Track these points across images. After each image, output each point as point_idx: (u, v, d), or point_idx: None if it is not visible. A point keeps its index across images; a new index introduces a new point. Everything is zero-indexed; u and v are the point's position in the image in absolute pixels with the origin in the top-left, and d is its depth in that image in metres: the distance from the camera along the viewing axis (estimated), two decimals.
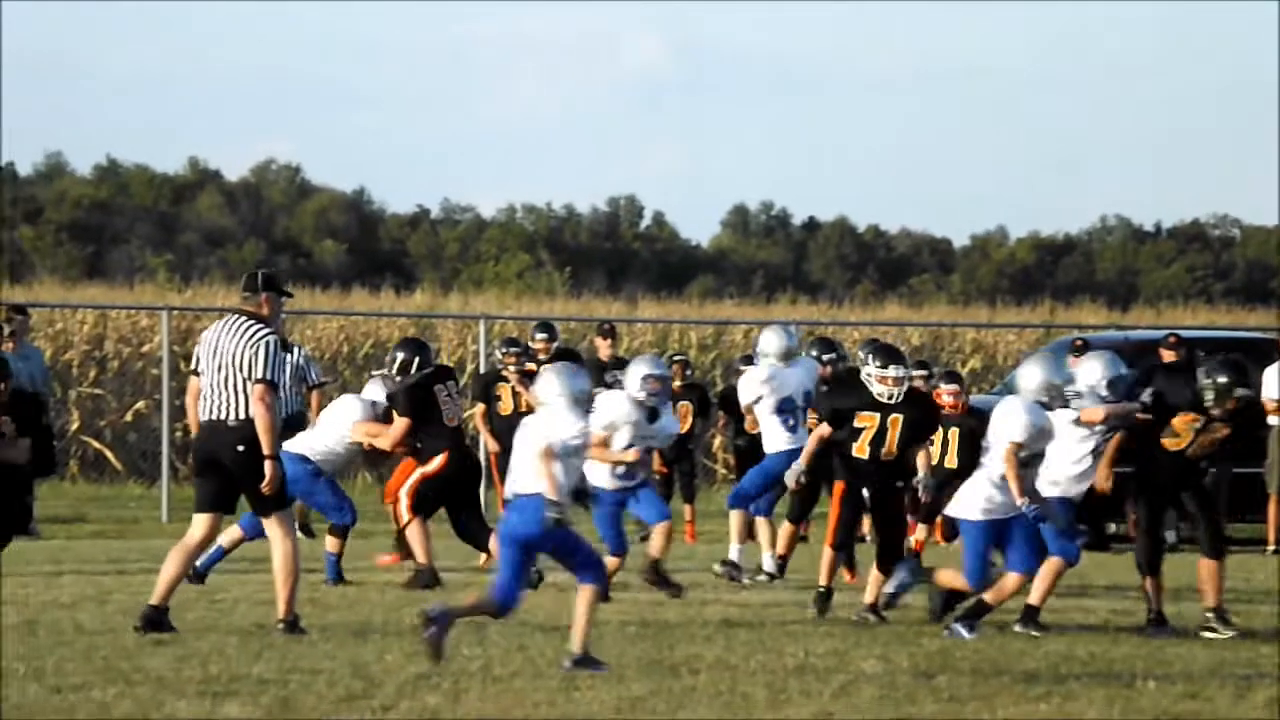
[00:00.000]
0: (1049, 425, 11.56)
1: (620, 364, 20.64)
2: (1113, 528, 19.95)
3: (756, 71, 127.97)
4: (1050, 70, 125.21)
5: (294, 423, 18.45)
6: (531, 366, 19.48)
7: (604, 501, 12.92)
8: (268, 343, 10.67)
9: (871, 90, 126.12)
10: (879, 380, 12.25)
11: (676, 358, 20.45)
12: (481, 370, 21.74)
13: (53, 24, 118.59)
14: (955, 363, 29.81)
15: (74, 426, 25.91)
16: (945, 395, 15.72)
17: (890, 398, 12.25)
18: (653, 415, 12.84)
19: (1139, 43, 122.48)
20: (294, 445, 14.03)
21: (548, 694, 8.85)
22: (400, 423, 13.83)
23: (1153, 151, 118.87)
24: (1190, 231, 73.68)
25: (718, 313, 34.45)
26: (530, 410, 19.57)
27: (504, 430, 19.44)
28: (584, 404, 9.93)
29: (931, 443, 12.71)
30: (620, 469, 12.81)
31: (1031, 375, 11.73)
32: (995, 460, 11.53)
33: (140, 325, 27.17)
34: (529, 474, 9.64)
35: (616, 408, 12.74)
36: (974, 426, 15.84)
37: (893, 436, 12.24)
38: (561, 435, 9.67)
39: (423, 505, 13.92)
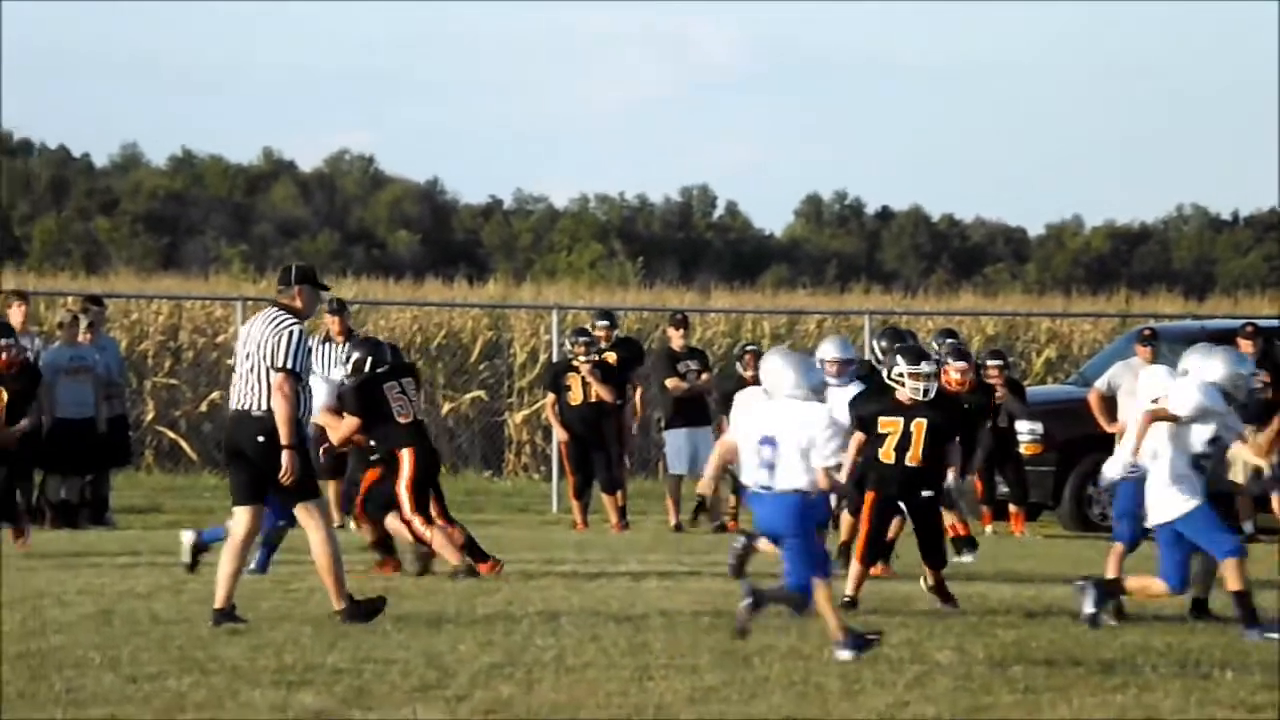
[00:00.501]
0: (1222, 411, 11.25)
1: (693, 354, 20.63)
2: None
3: (829, 61, 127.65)
4: (1124, 58, 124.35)
5: None
6: (610, 357, 19.48)
7: None
8: (291, 332, 10.64)
9: (945, 78, 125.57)
10: (911, 377, 12.07)
11: (749, 348, 20.40)
12: (554, 360, 21.75)
13: (127, 17, 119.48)
14: (1031, 353, 29.64)
15: (149, 417, 26.06)
16: (953, 372, 15.60)
17: (924, 394, 12.06)
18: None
19: (1213, 29, 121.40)
20: None
21: (620, 684, 8.83)
22: (349, 421, 13.83)
23: (1229, 139, 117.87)
24: (1268, 220, 72.98)
25: (791, 302, 34.34)
26: (600, 400, 19.63)
27: (574, 420, 19.46)
28: (821, 396, 10.11)
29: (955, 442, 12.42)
30: None
31: (1215, 366, 11.45)
32: (1163, 460, 11.31)
33: (215, 316, 27.31)
34: (787, 469, 9.74)
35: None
36: (983, 403, 15.84)
37: (918, 441, 12.07)
38: (830, 444, 9.76)
39: (423, 509, 13.69)
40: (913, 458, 12.08)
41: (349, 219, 73.06)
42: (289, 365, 10.59)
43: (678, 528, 19.20)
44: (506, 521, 20.33)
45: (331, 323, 18.71)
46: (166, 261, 55.62)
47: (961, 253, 73.80)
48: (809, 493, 9.74)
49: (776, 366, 9.98)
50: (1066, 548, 17.81)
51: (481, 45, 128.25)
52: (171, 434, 25.95)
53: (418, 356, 27.54)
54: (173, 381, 26.65)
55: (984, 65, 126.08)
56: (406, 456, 13.70)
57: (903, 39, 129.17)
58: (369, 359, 13.96)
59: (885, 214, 78.54)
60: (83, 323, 18.87)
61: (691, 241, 74.03)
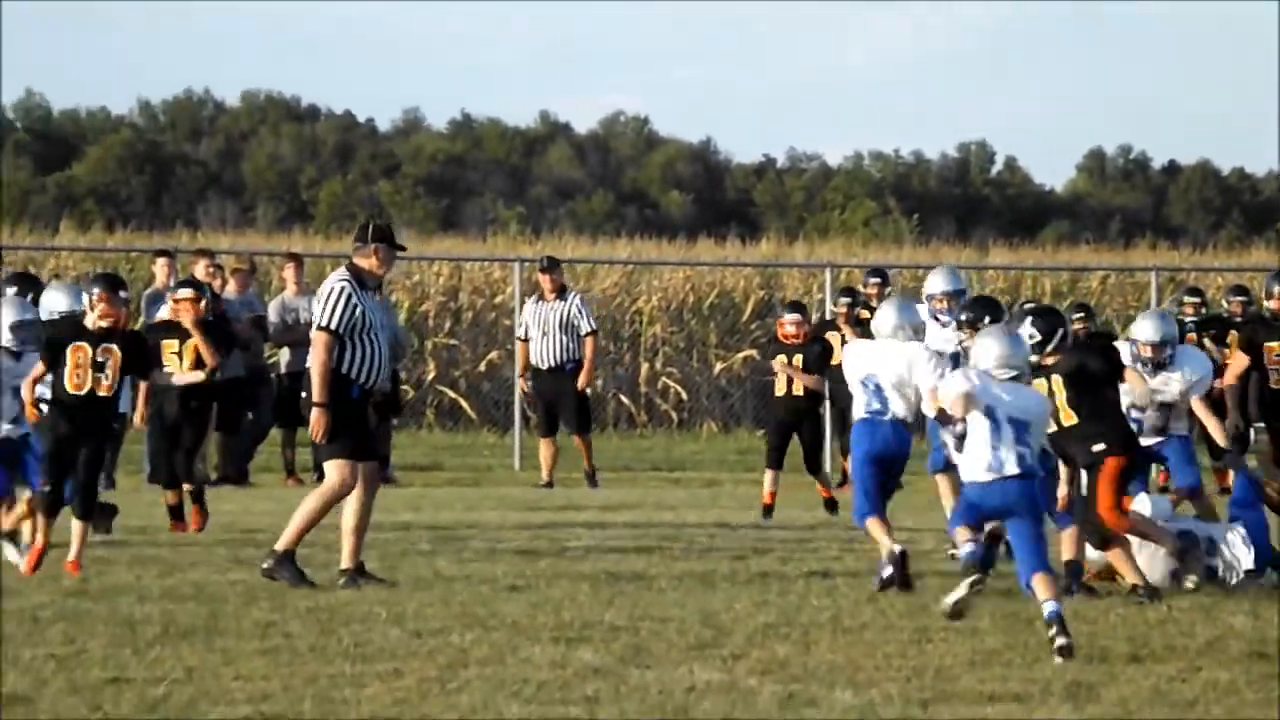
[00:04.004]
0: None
1: None
2: None
3: (1111, 11, 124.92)
4: None
5: (572, 370, 18.53)
6: (864, 314, 19.26)
7: None
8: (333, 290, 10.63)
9: (1236, 28, 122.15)
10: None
11: (1028, 305, 20.04)
12: (826, 319, 21.59)
13: None
14: None
15: (430, 376, 26.51)
16: (788, 325, 16.04)
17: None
18: None
19: None
20: None
21: (899, 646, 8.75)
22: None
23: None
24: None
25: (1072, 259, 33.75)
26: None
27: (831, 379, 19.21)
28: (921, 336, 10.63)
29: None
30: None
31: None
32: None
33: (493, 277, 27.65)
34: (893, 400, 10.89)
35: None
36: (819, 352, 15.88)
37: (1060, 401, 10.82)
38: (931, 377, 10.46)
39: None
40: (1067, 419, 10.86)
41: (622, 180, 73.53)
42: (324, 323, 10.59)
43: None
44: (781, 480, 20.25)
45: (543, 280, 18.86)
46: (446, 223, 56.57)
47: (1253, 207, 71.82)
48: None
49: (883, 310, 11.13)
50: None
51: (754, 3, 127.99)
52: (451, 393, 26.35)
53: (690, 317, 27.62)
54: (453, 342, 27.06)
55: (1274, 11, 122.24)
56: None
57: None
58: None
59: (1172, 168, 76.80)
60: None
61: (968, 198, 73.16)
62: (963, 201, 71.58)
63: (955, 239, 39.13)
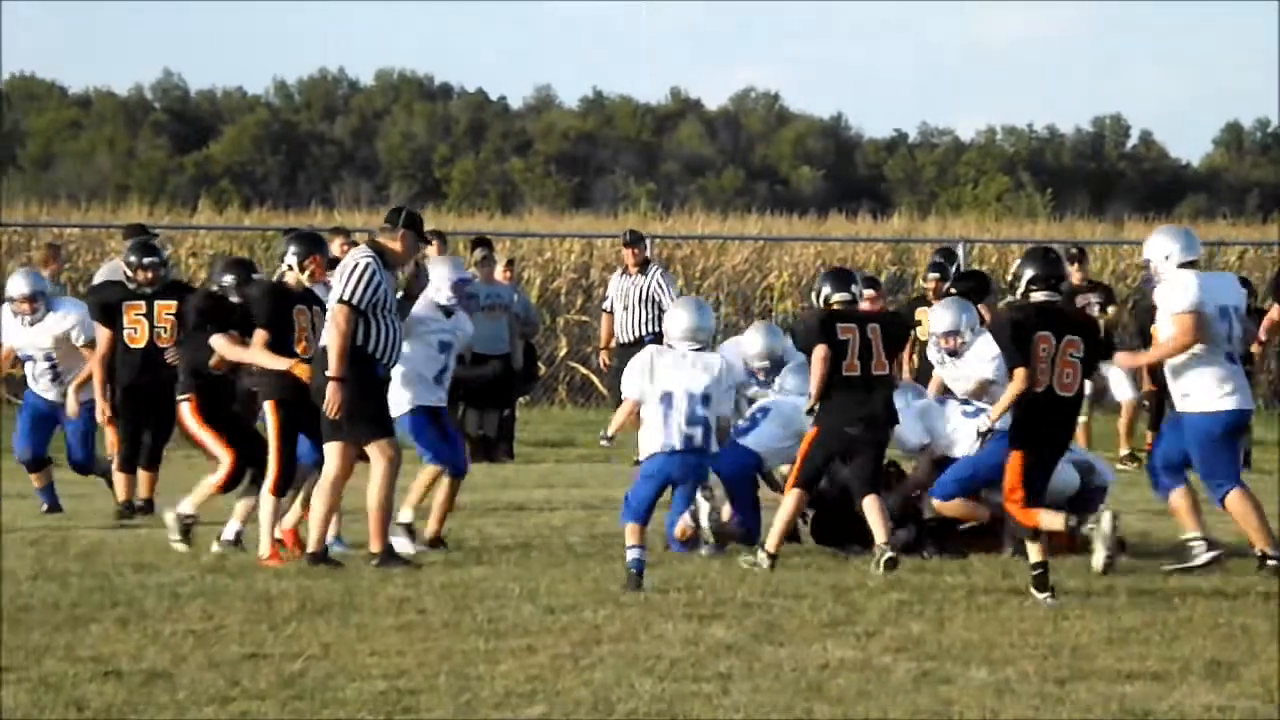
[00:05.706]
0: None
1: (1094, 287, 19.96)
2: None
3: None
4: None
5: (651, 343, 18.36)
6: (953, 290, 18.96)
7: None
8: (358, 265, 10.37)
9: None
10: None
11: None
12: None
13: None
14: None
15: (562, 353, 26.59)
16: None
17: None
18: None
19: None
20: None
21: (1034, 623, 8.68)
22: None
23: None
24: None
25: (1209, 233, 33.26)
26: None
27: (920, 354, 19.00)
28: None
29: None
30: None
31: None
32: None
33: (624, 253, 27.68)
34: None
35: None
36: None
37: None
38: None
39: None
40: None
41: (753, 156, 73.37)
42: (345, 297, 10.35)
43: None
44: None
45: (626, 254, 18.85)
46: (578, 200, 56.72)
47: None
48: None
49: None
50: None
51: None
52: (583, 369, 26.41)
53: None
54: (584, 318, 27.11)
55: None
56: None
57: None
58: None
59: None
60: (500, 262, 19.31)
61: (1103, 172, 72.37)
62: (1097, 176, 70.81)
63: (1089, 214, 38.69)
